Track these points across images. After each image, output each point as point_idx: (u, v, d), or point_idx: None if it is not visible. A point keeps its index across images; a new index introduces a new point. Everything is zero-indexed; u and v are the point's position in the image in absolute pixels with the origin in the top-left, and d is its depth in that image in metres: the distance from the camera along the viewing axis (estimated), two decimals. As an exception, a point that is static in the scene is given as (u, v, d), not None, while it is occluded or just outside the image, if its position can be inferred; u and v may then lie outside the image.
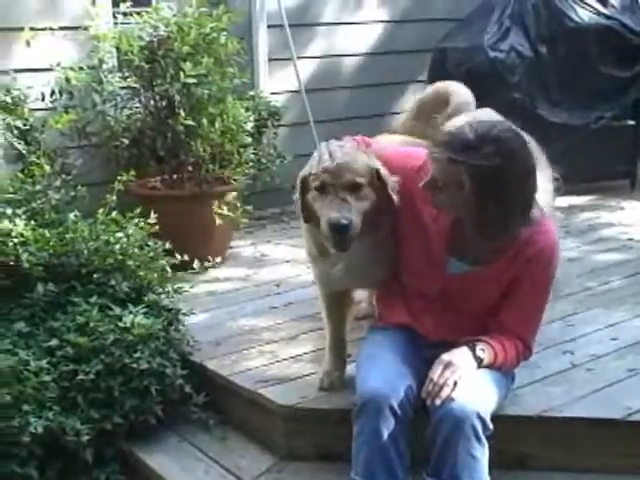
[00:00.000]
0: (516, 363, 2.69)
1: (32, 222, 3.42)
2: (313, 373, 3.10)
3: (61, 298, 3.28)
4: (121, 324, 3.16)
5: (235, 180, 4.53)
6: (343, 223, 2.54)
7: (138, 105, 4.54)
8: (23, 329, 3.14)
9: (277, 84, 5.58)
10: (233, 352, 3.37)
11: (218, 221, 4.35)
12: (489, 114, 3.07)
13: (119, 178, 3.74)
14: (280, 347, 3.40)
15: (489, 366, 2.56)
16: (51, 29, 4.51)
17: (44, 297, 3.24)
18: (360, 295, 3.46)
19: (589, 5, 5.53)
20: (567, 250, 4.34)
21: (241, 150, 4.58)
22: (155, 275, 3.48)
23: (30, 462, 2.90)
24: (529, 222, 2.51)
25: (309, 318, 3.64)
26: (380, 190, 2.64)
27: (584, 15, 5.50)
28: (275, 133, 5.31)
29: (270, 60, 5.57)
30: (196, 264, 4.19)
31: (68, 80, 4.34)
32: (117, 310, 3.22)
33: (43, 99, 4.36)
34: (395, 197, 2.64)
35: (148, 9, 4.46)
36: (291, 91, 5.63)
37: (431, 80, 5.79)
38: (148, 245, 3.52)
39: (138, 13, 4.41)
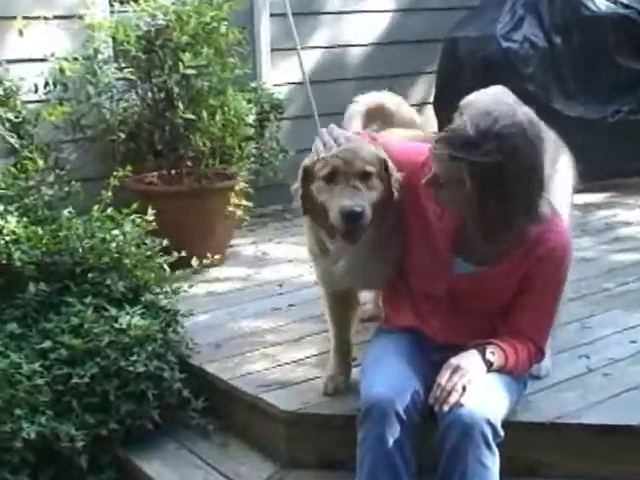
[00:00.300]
0: (528, 366, 2.69)
1: (24, 219, 3.42)
2: (317, 377, 3.11)
3: (54, 298, 3.28)
4: (117, 325, 3.17)
5: (233, 175, 4.54)
6: (357, 211, 2.53)
7: (135, 97, 4.55)
8: (15, 330, 3.15)
9: (280, 75, 5.59)
10: (234, 355, 3.38)
11: (238, 212, 4.37)
12: (502, 92, 3.02)
13: (115, 173, 3.75)
14: (283, 350, 3.40)
15: (500, 370, 2.56)
16: (45, 18, 4.52)
17: (37, 297, 3.25)
18: (366, 296, 3.47)
19: (605, -8, 5.53)
20: (583, 250, 4.35)
21: (242, 144, 4.59)
22: (152, 274, 3.49)
23: (22, 469, 2.91)
24: (537, 220, 2.51)
25: (313, 320, 3.65)
26: (386, 182, 2.65)
27: (600, 3, 5.50)
28: (278, 126, 5.32)
29: (273, 50, 5.58)
30: (195, 263, 4.18)
31: (62, 71, 4.35)
32: (113, 311, 3.23)
33: (36, 91, 4.37)
34: (396, 192, 2.64)
35: (146, -3, 4.47)
36: (294, 83, 5.64)
37: (442, 71, 5.81)
38: (145, 243, 3.53)
39: (135, 1, 4.41)
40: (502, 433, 2.46)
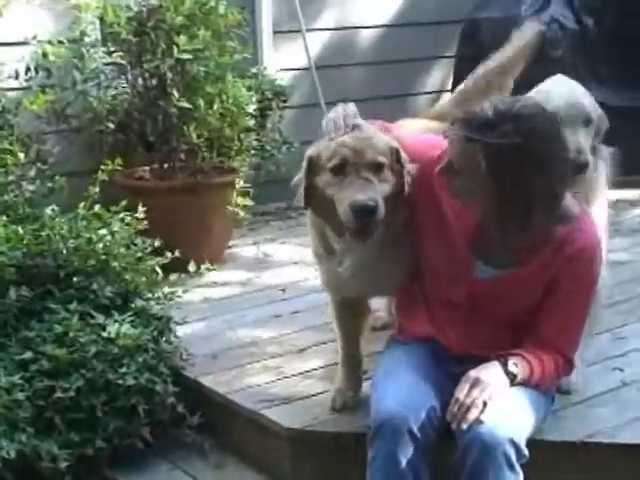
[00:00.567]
0: (555, 379, 2.70)
1: (4, 217, 3.44)
2: (324, 392, 3.11)
3: (36, 304, 3.29)
4: (104, 334, 3.17)
5: (234, 170, 4.54)
6: (370, 205, 2.52)
7: (125, 84, 4.56)
8: (-7, 339, 3.17)
9: (283, 60, 5.59)
10: (232, 367, 3.38)
11: (237, 210, 4.36)
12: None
13: (103, 167, 3.75)
14: (286, 362, 3.41)
15: (524, 383, 2.56)
16: (26, -3, 4.55)
17: (17, 303, 3.25)
18: (378, 303, 3.47)
19: (640, -32, 5.53)
20: (616, 252, 4.33)
21: (242, 136, 4.60)
22: (143, 278, 3.50)
23: (0, 491, 2.92)
24: (563, 218, 2.52)
25: (319, 328, 3.65)
26: (399, 175, 2.65)
27: (636, -19, 5.50)
28: (281, 116, 5.32)
29: (275, 33, 5.59)
30: (190, 266, 4.21)
31: (45, 55, 4.36)
32: (100, 318, 3.24)
33: (17, 77, 4.37)
34: (407, 185, 2.64)
35: (137, -26, 4.48)
36: (299, 68, 5.65)
37: (460, 56, 5.82)
38: (135, 244, 3.53)
39: (125, -22, 4.44)
40: (526, 453, 2.45)
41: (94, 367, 3.10)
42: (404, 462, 2.46)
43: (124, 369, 3.13)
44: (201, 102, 4.32)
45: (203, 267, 4.35)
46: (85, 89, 4.42)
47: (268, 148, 5.15)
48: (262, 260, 4.69)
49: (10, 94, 4.37)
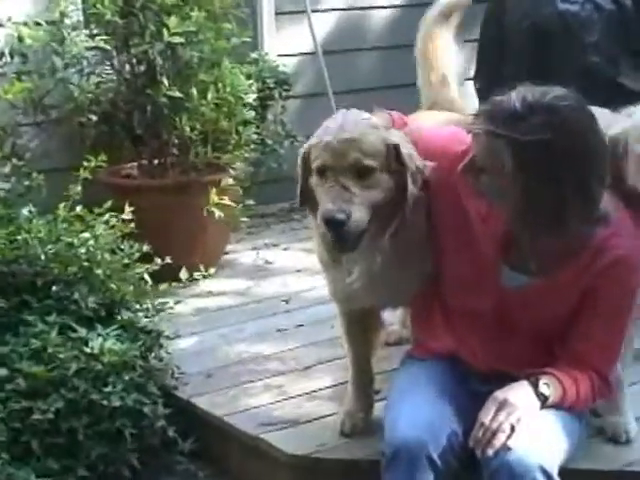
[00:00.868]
0: (591, 402, 2.69)
1: (-25, 219, 3.45)
2: (332, 414, 3.12)
3: (11, 316, 3.30)
4: (87, 350, 3.18)
5: (233, 168, 4.55)
6: (339, 218, 2.53)
7: (110, 71, 4.58)
8: (-37, 355, 3.18)
9: (286, 44, 5.61)
10: (229, 386, 3.39)
11: (218, 214, 4.33)
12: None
13: (85, 164, 3.77)
14: (289, 380, 3.42)
15: (556, 406, 2.56)
16: (0, -26, 4.56)
17: (-10, 315, 3.27)
18: (391, 316, 3.47)
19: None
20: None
21: (240, 128, 4.60)
22: (130, 288, 3.50)
23: (-28, 524, 2.93)
24: (599, 222, 2.52)
25: (326, 344, 3.66)
26: (398, 176, 2.64)
27: (683, -45, 5.49)
28: (283, 107, 5.34)
29: (277, 14, 5.60)
30: (182, 273, 4.21)
31: (21, 39, 4.37)
32: (82, 332, 3.24)
33: (-10, 63, 4.40)
34: (411, 187, 2.63)
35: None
36: (304, 53, 5.66)
37: (485, 40, 5.81)
38: (122, 249, 3.54)
39: (110, -46, 4.44)
40: (559, 483, 2.45)
41: (75, 386, 3.10)
42: (422, 493, 2.47)
43: (109, 388, 3.13)
44: (194, 91, 4.33)
45: (197, 275, 4.36)
46: (65, 76, 4.44)
47: (269, 142, 5.16)
48: (262, 267, 4.70)
49: (-18, 82, 4.39)
